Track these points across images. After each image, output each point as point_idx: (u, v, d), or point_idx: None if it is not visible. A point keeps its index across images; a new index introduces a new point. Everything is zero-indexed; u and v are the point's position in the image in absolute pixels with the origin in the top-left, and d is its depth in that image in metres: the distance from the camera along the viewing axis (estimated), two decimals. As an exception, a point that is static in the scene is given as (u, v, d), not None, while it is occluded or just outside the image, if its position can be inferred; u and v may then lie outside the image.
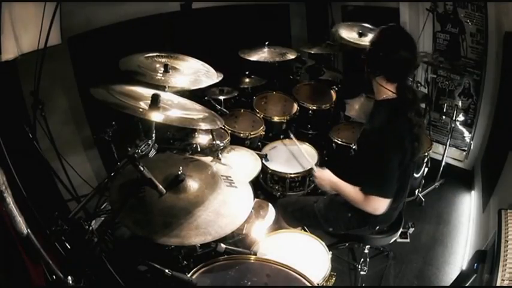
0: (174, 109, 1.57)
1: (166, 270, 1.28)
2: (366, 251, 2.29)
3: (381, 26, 1.78)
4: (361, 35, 2.94)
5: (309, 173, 2.60)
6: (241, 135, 2.84)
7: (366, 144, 1.86)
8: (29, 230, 1.11)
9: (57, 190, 2.24)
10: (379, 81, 1.75)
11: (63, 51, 2.45)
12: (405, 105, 1.72)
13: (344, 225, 1.98)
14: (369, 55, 1.75)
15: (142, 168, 1.24)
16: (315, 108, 3.23)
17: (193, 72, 2.05)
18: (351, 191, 1.80)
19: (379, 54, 1.69)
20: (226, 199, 1.40)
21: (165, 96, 1.62)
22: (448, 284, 2.38)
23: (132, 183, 1.26)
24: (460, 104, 3.05)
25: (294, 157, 2.79)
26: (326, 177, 1.98)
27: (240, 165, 2.49)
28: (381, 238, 2.04)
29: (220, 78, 2.49)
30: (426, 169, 2.99)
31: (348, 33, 2.99)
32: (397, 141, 1.67)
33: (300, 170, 2.63)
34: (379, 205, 1.71)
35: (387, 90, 1.75)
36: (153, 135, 1.74)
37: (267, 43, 3.18)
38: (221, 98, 2.97)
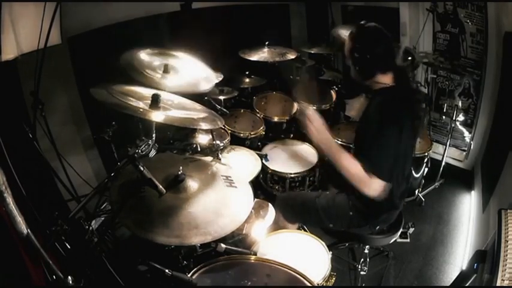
0: (174, 109, 1.57)
1: (166, 270, 1.27)
2: (366, 251, 2.29)
3: (346, 35, 1.82)
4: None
5: (310, 172, 2.60)
6: (241, 135, 2.84)
7: (364, 127, 1.88)
8: (29, 230, 1.11)
9: (57, 190, 2.24)
10: (376, 80, 1.78)
11: (63, 51, 2.45)
12: (404, 90, 1.77)
13: (345, 223, 1.98)
14: (357, 63, 1.78)
15: (142, 168, 1.24)
16: (315, 108, 3.23)
17: (193, 72, 2.05)
18: (352, 163, 1.69)
19: (365, 57, 1.73)
20: (226, 199, 1.40)
21: (165, 96, 1.62)
22: (448, 284, 2.38)
23: (132, 183, 1.26)
24: (460, 104, 3.05)
25: (294, 157, 2.79)
26: (322, 130, 1.81)
27: (240, 165, 2.49)
28: (381, 238, 2.04)
29: (220, 79, 2.49)
30: (426, 169, 2.99)
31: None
32: (394, 117, 1.68)
33: (300, 170, 2.63)
34: (376, 186, 1.67)
35: (384, 82, 1.79)
36: (153, 135, 1.74)
37: (267, 43, 3.18)
38: (221, 98, 2.97)
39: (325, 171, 2.70)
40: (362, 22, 1.80)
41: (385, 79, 1.78)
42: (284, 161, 2.73)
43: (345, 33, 2.98)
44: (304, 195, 2.22)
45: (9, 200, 1.07)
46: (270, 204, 2.28)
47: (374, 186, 1.67)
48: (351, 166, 1.69)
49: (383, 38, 1.75)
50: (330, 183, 2.42)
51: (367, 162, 1.69)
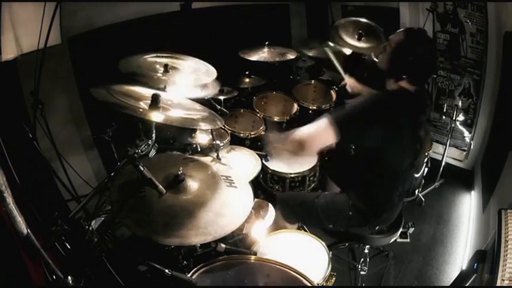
0: (174, 109, 1.57)
1: (166, 270, 1.27)
2: (366, 251, 2.30)
3: (404, 28, 1.75)
4: (360, 36, 2.94)
5: (310, 172, 2.60)
6: (241, 135, 2.84)
7: None
8: (29, 230, 1.12)
9: (57, 190, 2.24)
10: (400, 83, 1.71)
11: (63, 51, 2.45)
12: (419, 103, 1.72)
13: (345, 223, 1.98)
14: (394, 57, 1.71)
15: (142, 168, 1.24)
16: (315, 108, 3.23)
17: (193, 72, 2.05)
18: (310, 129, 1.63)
19: (407, 57, 1.66)
20: (226, 199, 1.40)
21: (165, 96, 1.62)
22: (448, 284, 2.38)
23: (132, 183, 1.26)
24: (460, 104, 3.05)
25: (294, 157, 2.79)
26: (280, 139, 1.77)
27: (240, 165, 2.49)
28: (380, 238, 2.04)
29: (218, 88, 2.49)
30: (426, 169, 3.00)
31: (347, 35, 2.99)
32: (388, 114, 1.61)
33: (300, 170, 2.63)
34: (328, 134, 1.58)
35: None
36: (153, 135, 1.74)
37: (267, 43, 3.18)
38: (221, 98, 2.97)
39: (325, 170, 2.71)
40: (422, 28, 1.76)
41: (408, 88, 1.72)
42: (284, 161, 2.73)
43: (344, 35, 2.99)
44: (304, 196, 2.22)
45: (9, 200, 1.07)
46: (270, 204, 2.29)
47: (328, 132, 1.57)
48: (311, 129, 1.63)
49: (434, 52, 1.70)
50: (332, 179, 2.42)
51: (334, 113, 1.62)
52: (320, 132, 1.59)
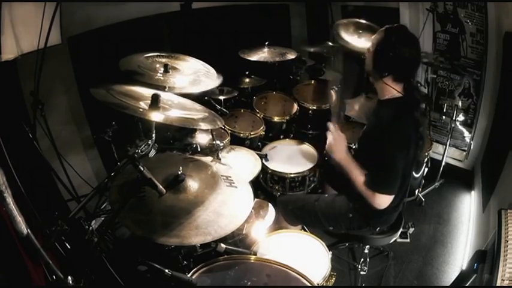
0: (174, 109, 1.57)
1: (166, 270, 1.27)
2: (366, 251, 2.29)
3: (384, 26, 1.76)
4: (360, 36, 2.94)
5: (310, 172, 2.59)
6: (241, 135, 2.84)
7: (369, 141, 1.86)
8: (29, 230, 1.11)
9: (57, 190, 2.24)
10: (385, 81, 1.74)
11: (63, 51, 2.45)
12: (412, 104, 1.73)
13: (345, 225, 1.98)
14: (376, 55, 1.73)
15: (142, 168, 1.24)
16: (315, 108, 3.23)
17: (193, 72, 2.06)
18: (359, 178, 1.77)
19: (388, 54, 1.68)
20: (226, 199, 1.40)
21: (165, 96, 1.62)
22: (448, 284, 2.38)
23: (132, 183, 1.26)
24: (460, 104, 3.05)
25: (294, 157, 2.79)
26: (342, 144, 1.87)
27: (240, 165, 2.49)
28: (381, 238, 2.04)
29: (220, 81, 2.49)
30: (426, 169, 2.99)
31: (348, 35, 2.99)
32: (402, 138, 1.68)
33: (300, 170, 2.63)
34: (383, 201, 1.72)
35: (392, 90, 1.75)
36: (153, 135, 1.74)
37: (267, 43, 3.18)
38: (221, 98, 2.97)
39: (324, 171, 2.71)
40: (403, 25, 1.78)
41: (395, 86, 1.74)
42: (284, 161, 2.73)
43: (344, 34, 2.99)
44: (304, 199, 2.22)
45: (9, 200, 1.07)
46: (270, 204, 2.29)
47: (379, 201, 1.72)
48: (358, 180, 1.77)
49: (415, 47, 1.71)
50: (328, 184, 2.43)
51: (372, 180, 1.72)
52: (357, 177, 1.77)
